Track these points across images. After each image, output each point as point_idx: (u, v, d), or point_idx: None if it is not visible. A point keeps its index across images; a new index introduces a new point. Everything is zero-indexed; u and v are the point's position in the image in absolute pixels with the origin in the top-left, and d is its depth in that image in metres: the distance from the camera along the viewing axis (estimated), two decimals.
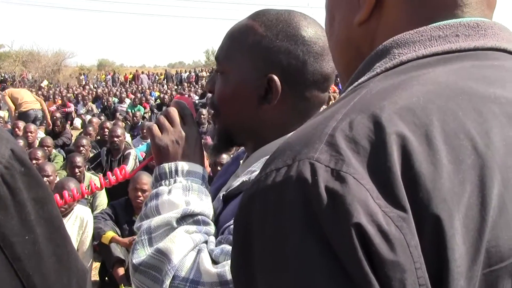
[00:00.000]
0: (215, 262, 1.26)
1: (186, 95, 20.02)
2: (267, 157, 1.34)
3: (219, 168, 5.80)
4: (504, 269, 0.65)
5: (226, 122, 1.49)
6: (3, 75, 46.25)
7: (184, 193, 1.38)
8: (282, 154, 0.69)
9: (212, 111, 1.52)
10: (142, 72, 48.54)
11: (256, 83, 1.40)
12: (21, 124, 10.80)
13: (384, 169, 0.62)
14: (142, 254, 1.31)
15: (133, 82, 42.77)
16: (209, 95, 1.54)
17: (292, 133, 1.38)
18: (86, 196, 6.38)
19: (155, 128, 1.48)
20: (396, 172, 0.62)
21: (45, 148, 8.69)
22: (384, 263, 0.59)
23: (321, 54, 1.41)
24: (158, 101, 23.33)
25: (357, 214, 0.60)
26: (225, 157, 5.69)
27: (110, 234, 5.74)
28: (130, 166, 7.82)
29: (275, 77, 1.38)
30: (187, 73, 47.36)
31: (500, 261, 0.65)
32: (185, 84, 36.64)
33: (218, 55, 1.49)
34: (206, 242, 1.33)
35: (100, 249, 5.86)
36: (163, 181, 1.42)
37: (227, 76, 1.45)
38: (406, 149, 0.63)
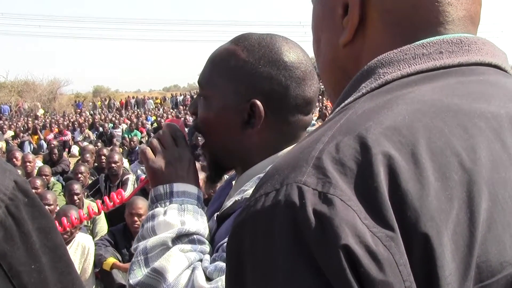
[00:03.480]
0: (209, 279, 1.28)
1: (182, 118, 20.06)
2: (259, 175, 1.37)
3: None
4: (496, 284, 0.65)
5: (211, 148, 1.51)
6: None
7: (180, 213, 1.40)
8: (270, 178, 0.69)
9: (198, 134, 1.54)
10: (133, 97, 49.16)
11: (238, 108, 1.42)
12: (19, 154, 10.79)
13: (371, 189, 0.63)
14: (138, 274, 1.33)
15: (128, 108, 43.08)
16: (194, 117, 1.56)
17: (280, 157, 1.40)
18: (85, 222, 6.41)
19: (149, 151, 1.50)
20: (383, 192, 0.62)
21: (43, 176, 8.69)
22: (374, 283, 0.59)
23: (303, 78, 1.42)
24: (155, 125, 23.32)
25: (345, 236, 0.60)
26: None
27: (111, 260, 5.72)
28: (128, 191, 7.81)
29: (258, 102, 1.39)
30: (182, 96, 47.56)
31: (491, 275, 0.65)
32: (181, 107, 36.68)
33: (201, 79, 1.51)
34: (201, 260, 1.34)
35: (101, 276, 5.84)
36: (159, 202, 1.44)
37: (210, 101, 1.47)
38: (393, 168, 0.64)
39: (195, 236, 1.37)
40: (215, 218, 1.45)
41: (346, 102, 0.80)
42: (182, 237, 1.36)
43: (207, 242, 1.40)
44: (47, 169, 9.41)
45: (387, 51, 0.81)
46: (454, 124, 0.70)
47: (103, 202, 1.70)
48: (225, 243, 1.31)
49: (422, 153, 0.66)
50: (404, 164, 0.64)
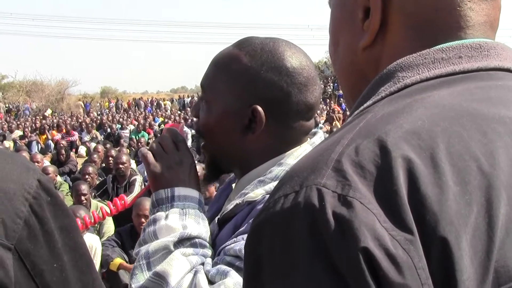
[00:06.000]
0: (211, 282, 1.28)
1: (189, 120, 20.09)
2: (260, 178, 1.37)
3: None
4: None
5: (211, 149, 1.52)
6: (7, 105, 46.50)
7: (181, 217, 1.40)
8: (290, 180, 0.69)
9: (198, 137, 1.55)
10: (139, 99, 50.08)
11: (240, 113, 1.42)
12: (26, 154, 10.79)
13: (390, 192, 0.63)
14: (141, 278, 1.33)
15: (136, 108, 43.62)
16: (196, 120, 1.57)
17: (286, 158, 1.40)
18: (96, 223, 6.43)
19: (150, 156, 1.50)
20: (402, 196, 0.62)
21: None
22: (393, 286, 0.59)
23: (305, 84, 1.42)
24: (162, 126, 23.32)
25: (364, 239, 0.60)
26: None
27: (118, 260, 5.72)
28: (136, 192, 7.84)
29: (259, 108, 1.39)
30: (190, 98, 47.71)
31: (509, 280, 0.64)
32: (188, 109, 36.73)
33: (203, 83, 1.51)
34: (203, 264, 1.34)
35: (108, 276, 5.83)
36: (160, 206, 1.44)
37: (211, 105, 1.47)
38: (412, 172, 0.64)
39: (197, 240, 1.38)
40: (216, 221, 1.45)
41: (365, 105, 0.80)
42: (184, 241, 1.37)
43: (208, 245, 1.41)
44: (51, 169, 9.37)
45: (407, 55, 0.81)
46: (473, 128, 0.70)
47: (113, 205, 1.71)
48: (227, 247, 1.33)
49: (442, 158, 0.65)
50: (423, 168, 0.64)
